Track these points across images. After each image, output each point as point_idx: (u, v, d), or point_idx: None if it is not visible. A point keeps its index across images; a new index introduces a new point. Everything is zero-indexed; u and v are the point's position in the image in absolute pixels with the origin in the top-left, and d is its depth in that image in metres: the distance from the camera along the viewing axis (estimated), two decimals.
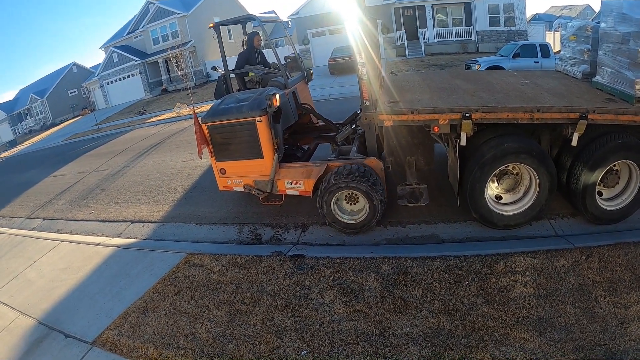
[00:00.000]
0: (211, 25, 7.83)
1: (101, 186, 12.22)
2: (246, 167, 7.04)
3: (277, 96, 6.67)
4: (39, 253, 8.17)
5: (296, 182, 6.91)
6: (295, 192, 7.01)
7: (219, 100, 7.33)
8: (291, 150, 8.29)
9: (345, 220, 6.71)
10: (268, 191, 7.11)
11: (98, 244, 8.01)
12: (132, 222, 8.98)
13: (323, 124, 8.75)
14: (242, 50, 8.37)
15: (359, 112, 7.01)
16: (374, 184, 6.27)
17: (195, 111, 7.16)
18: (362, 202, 6.59)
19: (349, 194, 6.59)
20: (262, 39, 8.52)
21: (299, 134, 8.87)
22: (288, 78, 7.90)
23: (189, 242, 7.63)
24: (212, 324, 5.12)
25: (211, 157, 7.16)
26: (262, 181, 7.07)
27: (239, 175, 7.19)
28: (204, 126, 6.90)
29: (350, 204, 6.73)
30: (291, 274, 5.89)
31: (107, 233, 8.73)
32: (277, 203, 7.39)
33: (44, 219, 10.51)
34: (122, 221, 9.16)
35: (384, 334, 4.53)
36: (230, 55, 8.21)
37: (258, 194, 7.20)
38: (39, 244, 8.71)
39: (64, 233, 9.27)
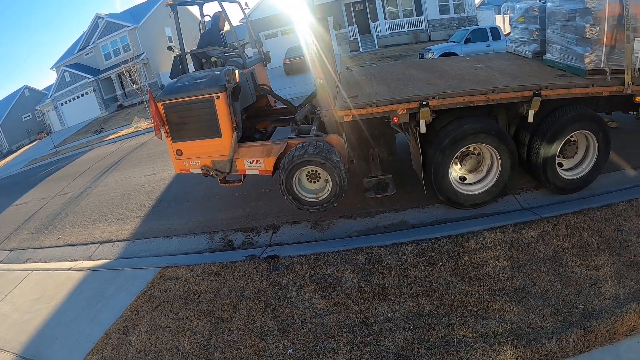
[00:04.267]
0: (169, 2, 7.54)
1: (65, 210, 11.88)
2: (204, 147, 6.85)
3: (237, 72, 6.56)
4: (10, 285, 7.87)
5: (256, 160, 6.81)
6: (255, 172, 6.91)
7: (175, 79, 7.13)
8: (249, 133, 8.03)
9: (306, 198, 6.67)
10: (227, 172, 6.98)
11: (69, 269, 7.78)
12: (102, 242, 8.76)
13: (281, 107, 8.69)
14: (202, 31, 8.24)
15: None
16: (337, 161, 6.25)
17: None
18: (324, 179, 6.57)
19: (310, 171, 6.56)
20: (227, 19, 8.30)
21: (256, 117, 8.75)
22: (246, 59, 7.81)
23: (162, 256, 7.52)
24: (195, 334, 5.07)
25: (167, 137, 6.91)
26: (220, 161, 6.90)
27: (196, 156, 6.99)
28: (159, 105, 6.66)
29: (312, 182, 6.70)
30: (267, 275, 5.89)
31: (77, 257, 8.48)
32: (236, 184, 7.33)
33: (11, 250, 10.13)
34: (91, 243, 8.91)
35: (367, 322, 4.60)
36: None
37: (216, 175, 7.04)
38: (8, 276, 8.39)
39: (33, 262, 8.96)
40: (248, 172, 6.97)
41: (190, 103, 6.56)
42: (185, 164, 7.12)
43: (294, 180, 6.52)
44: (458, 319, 4.36)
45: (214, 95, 6.40)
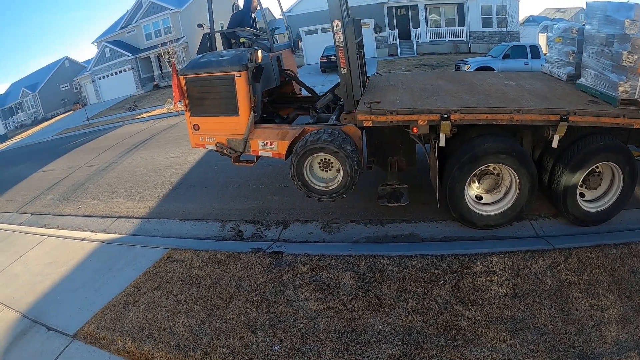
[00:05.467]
0: None
1: (89, 181, 12.16)
2: (221, 124, 6.90)
3: (260, 52, 6.54)
4: (26, 247, 8.13)
5: (270, 142, 6.79)
6: (269, 154, 6.90)
7: (200, 55, 7.19)
8: (270, 117, 8.01)
9: (316, 186, 6.60)
10: (241, 151, 6.97)
11: (83, 239, 7.97)
12: (118, 217, 8.95)
13: (305, 95, 8.67)
14: (234, 12, 8.29)
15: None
16: (351, 151, 6.16)
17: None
18: (336, 168, 6.49)
19: (323, 159, 6.49)
20: (258, 2, 8.38)
21: (280, 103, 8.77)
22: (274, 43, 7.81)
23: (172, 237, 7.62)
24: (189, 318, 5.12)
25: (186, 111, 6.99)
26: (235, 140, 6.92)
27: (212, 132, 7.04)
28: (181, 78, 6.72)
29: (324, 170, 6.63)
30: (269, 270, 5.88)
31: (93, 228, 8.70)
32: (249, 164, 7.35)
33: (32, 214, 10.46)
34: (108, 216, 9.12)
35: (356, 331, 4.54)
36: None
37: (230, 153, 7.07)
38: (25, 238, 8.66)
39: (50, 228, 9.22)
40: (261, 153, 6.98)
41: (211, 79, 6.61)
42: (201, 139, 7.18)
43: (305, 166, 6.46)
44: (449, 341, 4.27)
45: (235, 73, 6.41)
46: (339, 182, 6.46)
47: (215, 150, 7.26)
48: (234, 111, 6.65)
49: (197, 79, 6.71)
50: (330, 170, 6.59)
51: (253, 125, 6.79)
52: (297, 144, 6.41)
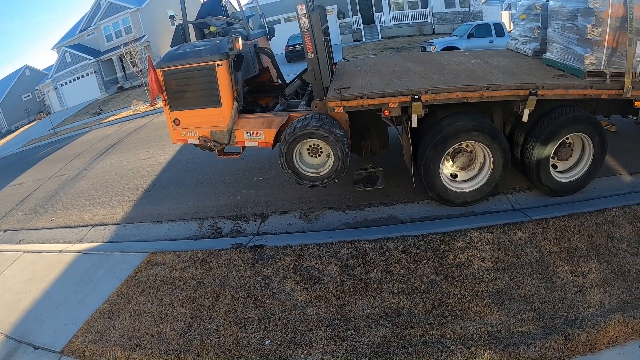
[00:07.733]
0: None
1: (60, 192, 11.86)
2: (203, 117, 6.67)
3: (240, 40, 6.36)
4: (2, 266, 7.86)
5: (256, 132, 6.61)
6: (255, 144, 6.73)
7: (176, 47, 6.95)
8: (250, 107, 7.77)
9: (307, 173, 6.48)
10: (226, 143, 6.78)
11: (60, 252, 7.77)
12: (93, 225, 8.76)
13: (282, 83, 8.56)
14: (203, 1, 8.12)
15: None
16: (340, 135, 6.10)
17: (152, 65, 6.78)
18: (326, 153, 6.41)
19: (312, 145, 6.39)
20: None
21: (258, 92, 8.59)
22: (250, 30, 7.64)
23: (151, 241, 7.51)
24: (177, 321, 5.07)
25: (165, 106, 6.74)
26: (219, 132, 6.71)
27: (194, 126, 6.79)
28: (158, 71, 6.46)
29: (313, 157, 6.52)
30: (252, 265, 5.85)
31: (69, 239, 8.48)
32: (234, 156, 7.21)
33: (5, 231, 10.11)
34: (83, 226, 8.91)
35: (345, 317, 4.57)
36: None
37: (214, 146, 6.86)
38: (1, 257, 8.37)
39: (26, 243, 8.96)
40: (247, 144, 6.80)
41: (191, 70, 6.39)
42: (183, 134, 6.93)
43: (294, 153, 6.34)
44: (437, 318, 4.33)
45: (215, 62, 6.24)
46: (330, 167, 6.37)
47: (197, 145, 7.06)
48: (216, 102, 6.46)
49: (176, 72, 6.46)
50: (319, 155, 6.48)
51: (237, 116, 6.61)
52: (285, 131, 6.28)
